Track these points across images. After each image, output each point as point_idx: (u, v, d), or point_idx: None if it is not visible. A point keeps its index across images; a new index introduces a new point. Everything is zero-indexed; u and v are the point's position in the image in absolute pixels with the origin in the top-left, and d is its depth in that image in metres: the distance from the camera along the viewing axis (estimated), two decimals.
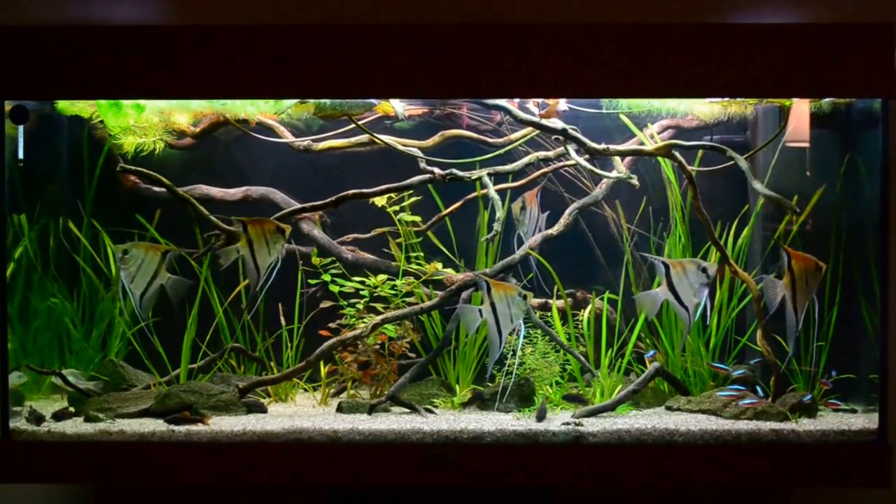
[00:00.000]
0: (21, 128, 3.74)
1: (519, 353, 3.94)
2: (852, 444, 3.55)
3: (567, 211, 4.28)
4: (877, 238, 3.61)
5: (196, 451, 3.55)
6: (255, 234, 3.84)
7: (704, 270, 3.73)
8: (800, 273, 3.68)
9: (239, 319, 4.24)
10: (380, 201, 4.25)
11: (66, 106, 4.02)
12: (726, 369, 3.94)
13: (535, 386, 4.00)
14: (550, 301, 4.22)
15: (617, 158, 4.21)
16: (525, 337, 3.99)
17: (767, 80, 3.49)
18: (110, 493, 4.15)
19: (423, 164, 4.12)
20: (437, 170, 4.05)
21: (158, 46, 3.52)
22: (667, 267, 3.75)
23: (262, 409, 3.94)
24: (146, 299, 3.85)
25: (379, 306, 4.21)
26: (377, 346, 4.17)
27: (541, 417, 3.71)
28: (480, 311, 3.78)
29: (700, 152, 4.10)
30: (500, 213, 3.94)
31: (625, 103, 4.06)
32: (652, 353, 4.05)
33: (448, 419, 3.76)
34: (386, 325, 4.09)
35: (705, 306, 3.75)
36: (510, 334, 3.82)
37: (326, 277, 4.27)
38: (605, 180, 4.29)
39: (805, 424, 3.63)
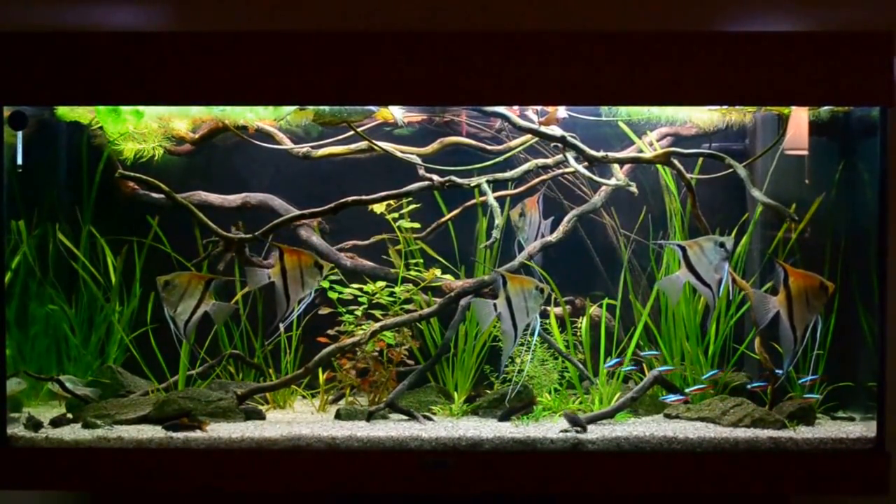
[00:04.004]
0: (20, 134, 3.73)
1: (533, 346, 3.94)
2: (850, 452, 3.55)
3: (566, 218, 4.27)
4: (875, 246, 3.61)
5: (194, 457, 3.55)
6: (291, 265, 3.81)
7: (723, 245, 3.69)
8: (799, 291, 3.64)
9: (238, 326, 4.25)
10: (378, 208, 4.25)
11: (66, 112, 4.02)
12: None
13: (535, 393, 4.00)
14: (549, 308, 4.21)
15: (616, 166, 4.21)
16: (522, 344, 3.98)
17: (766, 87, 3.50)
18: (108, 499, 4.13)
19: (422, 171, 4.12)
20: (436, 177, 4.05)
21: (158, 52, 3.52)
22: (683, 249, 3.73)
23: (260, 416, 3.93)
24: (190, 327, 3.84)
25: (377, 313, 4.21)
26: (375, 353, 4.16)
27: (576, 423, 3.69)
28: (495, 304, 3.76)
29: (699, 160, 4.11)
30: (498, 221, 3.94)
31: (624, 111, 4.07)
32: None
33: (446, 426, 3.76)
34: (384, 332, 4.09)
35: (727, 283, 3.71)
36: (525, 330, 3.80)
37: (325, 284, 4.26)
38: (603, 188, 4.29)
39: (803, 432, 3.63)
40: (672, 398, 3.89)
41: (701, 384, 3.95)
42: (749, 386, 3.91)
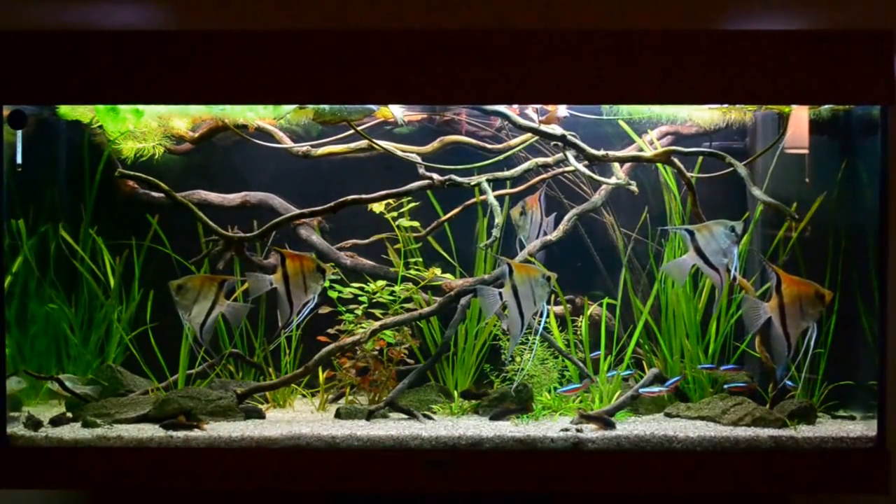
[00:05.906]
0: (19, 133, 3.73)
1: (538, 336, 3.94)
2: (851, 450, 3.55)
3: (566, 217, 4.27)
4: (876, 244, 3.61)
5: (194, 456, 3.55)
6: (293, 270, 3.80)
7: (733, 229, 3.66)
8: (792, 298, 3.59)
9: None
10: (378, 207, 4.25)
11: (67, 111, 4.01)
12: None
13: (534, 392, 3.99)
14: (549, 307, 4.21)
15: (616, 165, 4.20)
16: (523, 343, 3.98)
17: (766, 86, 3.50)
18: (107, 498, 4.14)
19: (422, 170, 4.12)
20: (436, 176, 4.05)
21: (158, 51, 3.52)
22: (691, 234, 3.70)
23: (260, 415, 3.93)
24: (206, 329, 3.83)
25: (377, 312, 4.21)
26: (375, 352, 4.16)
27: (606, 423, 3.69)
28: (500, 293, 3.74)
29: (700, 159, 4.10)
30: (498, 219, 3.94)
31: (625, 109, 4.06)
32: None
33: (446, 425, 3.76)
34: (384, 331, 4.09)
35: (735, 267, 3.68)
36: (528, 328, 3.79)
37: (325, 284, 4.25)
38: (604, 186, 4.28)
39: (803, 431, 3.62)
40: (645, 390, 3.90)
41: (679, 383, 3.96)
42: (726, 386, 3.89)
